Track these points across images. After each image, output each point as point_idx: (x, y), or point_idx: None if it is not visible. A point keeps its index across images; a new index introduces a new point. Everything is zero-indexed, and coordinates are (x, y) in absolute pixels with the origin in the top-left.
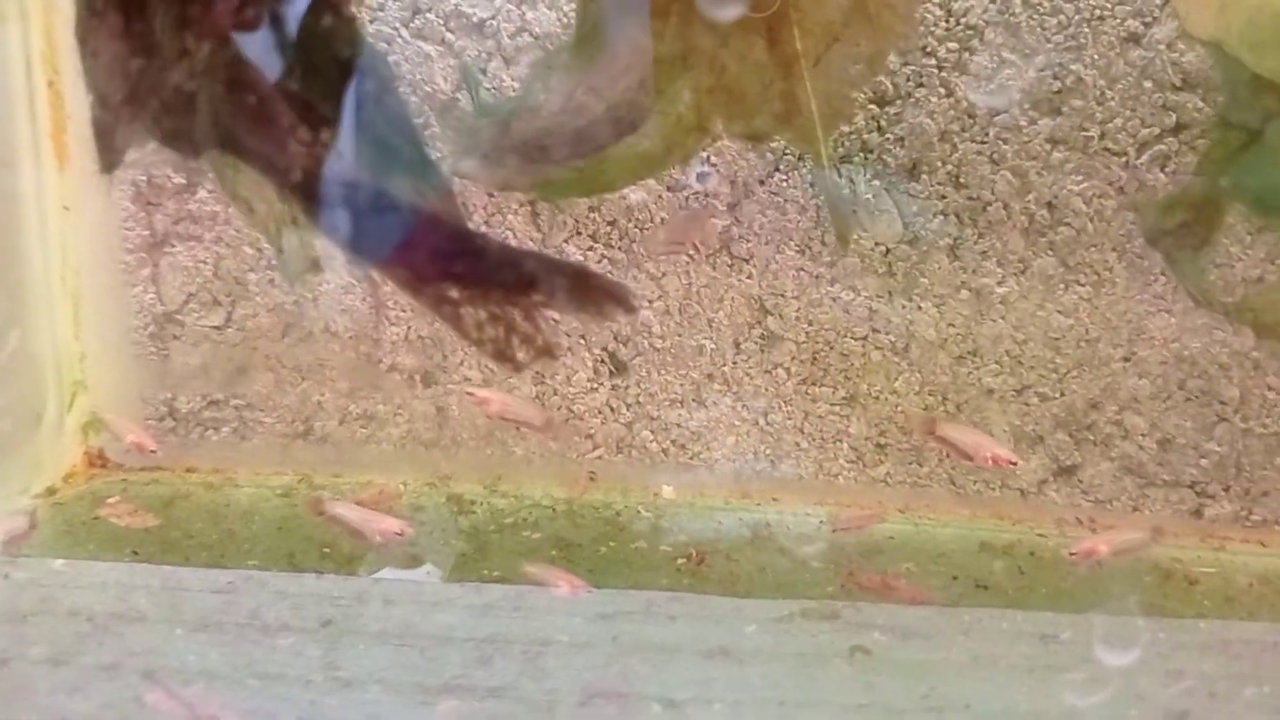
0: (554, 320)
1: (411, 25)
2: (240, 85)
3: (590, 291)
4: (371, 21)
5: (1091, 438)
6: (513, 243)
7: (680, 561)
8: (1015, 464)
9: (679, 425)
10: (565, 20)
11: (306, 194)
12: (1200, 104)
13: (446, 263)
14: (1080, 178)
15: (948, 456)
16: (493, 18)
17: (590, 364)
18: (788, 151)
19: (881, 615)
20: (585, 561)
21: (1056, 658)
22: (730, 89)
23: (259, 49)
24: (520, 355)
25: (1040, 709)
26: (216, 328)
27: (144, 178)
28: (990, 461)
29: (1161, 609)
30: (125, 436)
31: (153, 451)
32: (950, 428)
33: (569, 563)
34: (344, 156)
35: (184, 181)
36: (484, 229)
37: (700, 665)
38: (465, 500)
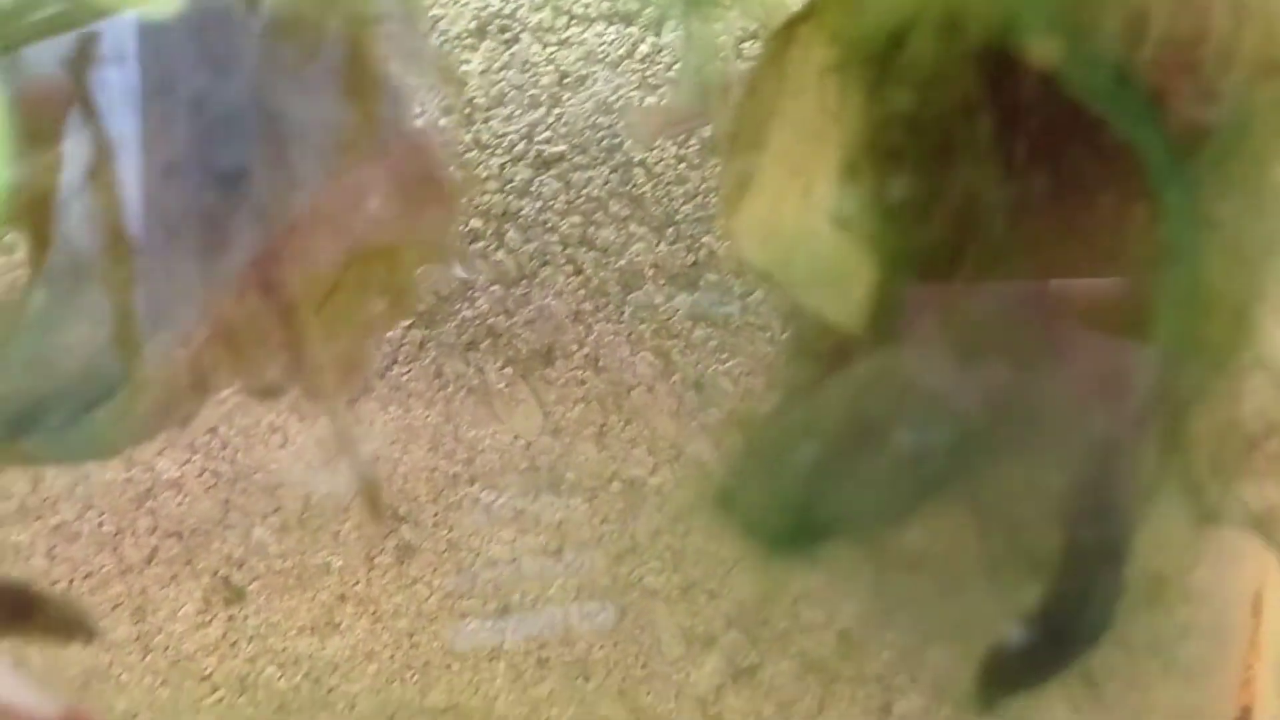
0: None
1: None
2: None
3: (40, 617)
4: None
5: (767, 634)
6: None
7: None
8: None
9: (310, 656)
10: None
11: None
12: None
13: None
14: (725, 355)
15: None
16: None
17: (199, 593)
18: (405, 341)
19: None
20: None
21: None
22: (230, 340)
23: None
24: None
25: None
26: None
27: None
28: None
29: None
30: None
31: None
32: None
33: None
34: None
35: None
36: None
37: None
38: None
